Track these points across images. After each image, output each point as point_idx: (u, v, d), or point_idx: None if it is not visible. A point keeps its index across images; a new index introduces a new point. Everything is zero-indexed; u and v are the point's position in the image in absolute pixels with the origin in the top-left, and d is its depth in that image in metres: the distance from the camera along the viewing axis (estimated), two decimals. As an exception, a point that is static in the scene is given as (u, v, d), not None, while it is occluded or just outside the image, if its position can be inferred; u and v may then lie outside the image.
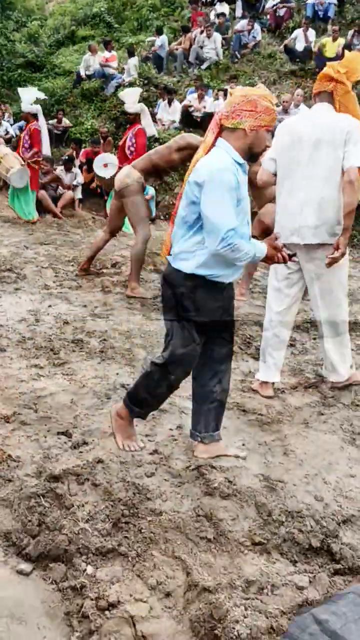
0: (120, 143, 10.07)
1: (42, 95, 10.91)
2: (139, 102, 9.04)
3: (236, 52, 14.75)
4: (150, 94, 14.09)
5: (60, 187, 11.49)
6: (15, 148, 10.77)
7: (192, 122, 12.73)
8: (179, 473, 3.07)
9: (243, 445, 3.43)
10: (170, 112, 13.08)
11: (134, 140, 9.41)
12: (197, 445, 3.25)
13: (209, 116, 12.60)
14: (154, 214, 11.00)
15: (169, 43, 15.53)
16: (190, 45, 14.89)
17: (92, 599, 2.25)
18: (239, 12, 16.19)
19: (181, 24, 16.32)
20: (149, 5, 18.49)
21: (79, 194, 11.72)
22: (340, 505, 2.94)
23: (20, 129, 11.92)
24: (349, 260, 4.21)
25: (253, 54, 14.72)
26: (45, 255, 7.64)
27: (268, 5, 16.08)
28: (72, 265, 7.24)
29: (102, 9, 19.00)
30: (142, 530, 2.61)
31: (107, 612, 2.21)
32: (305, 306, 6.40)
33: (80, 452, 3.18)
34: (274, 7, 15.71)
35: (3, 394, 3.77)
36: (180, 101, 13.22)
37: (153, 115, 13.32)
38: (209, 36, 14.59)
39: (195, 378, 3.22)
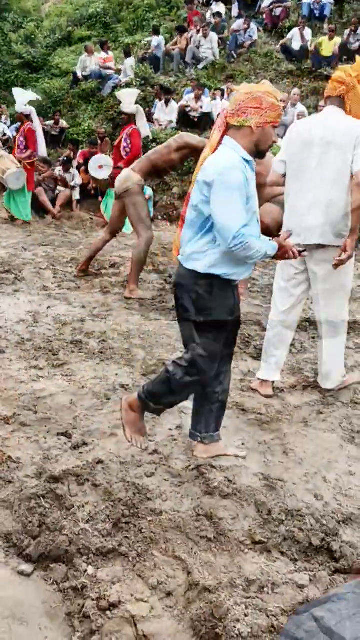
0: (115, 144, 10.08)
1: (35, 96, 10.91)
2: (136, 103, 9.04)
3: (232, 52, 14.76)
4: (147, 95, 14.10)
5: (58, 187, 11.49)
6: (11, 149, 10.77)
7: (189, 122, 12.74)
8: (179, 473, 3.07)
9: (243, 444, 3.43)
10: (167, 113, 13.08)
11: (128, 142, 9.42)
12: (196, 445, 3.25)
13: (205, 116, 12.62)
14: (152, 215, 11.00)
15: (166, 43, 15.53)
16: (187, 45, 14.88)
17: (93, 599, 2.26)
18: (235, 11, 16.19)
19: (177, 24, 16.32)
20: (145, 6, 18.50)
21: (76, 195, 11.72)
22: (340, 503, 2.94)
23: (18, 131, 11.93)
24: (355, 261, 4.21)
25: (249, 54, 14.72)
26: (44, 256, 7.65)
27: (264, 4, 16.09)
28: (71, 266, 7.24)
29: (99, 9, 19.00)
30: (143, 530, 2.61)
31: (108, 612, 2.21)
32: (304, 306, 6.41)
33: (80, 452, 3.18)
34: (270, 7, 15.71)
35: (3, 395, 3.78)
36: (177, 101, 13.22)
37: (150, 115, 13.34)
38: (205, 36, 14.59)
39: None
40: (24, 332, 4.90)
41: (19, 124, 11.23)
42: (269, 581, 2.41)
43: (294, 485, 3.06)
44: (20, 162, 10.00)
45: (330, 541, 2.65)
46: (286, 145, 4.01)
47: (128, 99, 9.45)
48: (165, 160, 6.14)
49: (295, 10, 15.74)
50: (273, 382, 4.16)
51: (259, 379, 4.18)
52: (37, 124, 10.47)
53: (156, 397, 3.07)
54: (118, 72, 14.98)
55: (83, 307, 5.73)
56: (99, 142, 12.09)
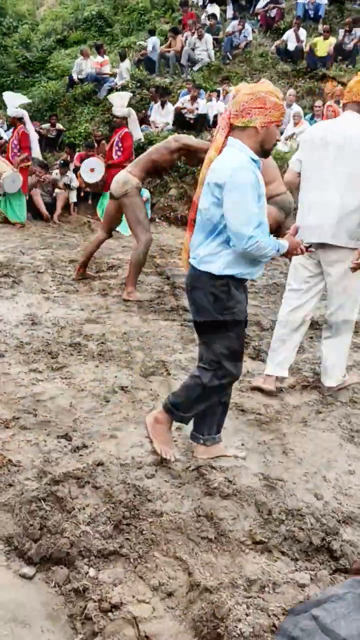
0: (107, 147, 10.10)
1: (26, 100, 10.95)
2: (128, 106, 9.07)
3: (228, 53, 14.78)
4: (143, 97, 14.11)
5: (55, 190, 11.50)
6: (5, 153, 10.79)
7: (185, 123, 12.75)
8: (179, 474, 3.08)
9: (242, 445, 3.44)
10: (163, 115, 13.09)
11: (120, 145, 9.44)
12: (196, 447, 3.26)
13: (201, 118, 12.63)
14: (149, 216, 11.00)
15: (161, 45, 15.54)
16: (182, 47, 14.89)
17: (94, 601, 2.26)
18: (230, 13, 16.22)
19: (172, 26, 16.33)
20: (140, 9, 18.52)
21: (74, 198, 11.73)
22: (340, 502, 2.95)
23: (12, 134, 11.96)
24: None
25: (245, 55, 14.74)
26: (42, 259, 7.65)
27: (259, 5, 16.11)
28: (69, 269, 7.25)
29: (94, 12, 19.02)
30: (144, 532, 2.62)
31: (110, 614, 2.22)
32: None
33: (80, 455, 3.19)
34: (265, 8, 15.73)
35: (2, 398, 3.78)
36: (173, 103, 13.23)
37: (146, 117, 13.35)
38: (200, 37, 14.60)
39: None
40: (22, 335, 4.90)
41: (12, 127, 11.26)
42: (269, 581, 2.42)
43: (294, 484, 3.07)
44: (15, 165, 10.02)
45: (330, 540, 2.66)
46: (303, 145, 4.11)
47: (120, 102, 9.48)
48: (166, 160, 6.21)
49: (290, 12, 15.75)
50: (277, 377, 4.18)
51: (266, 374, 4.21)
52: (30, 127, 10.51)
53: (183, 406, 3.06)
54: (113, 75, 14.98)
55: (82, 309, 5.73)
56: (96, 144, 12.10)
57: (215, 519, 2.72)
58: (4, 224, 10.16)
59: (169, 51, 15.11)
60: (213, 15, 15.61)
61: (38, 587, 2.37)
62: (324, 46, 13.34)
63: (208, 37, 14.72)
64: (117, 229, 8.06)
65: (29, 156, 10.24)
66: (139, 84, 14.35)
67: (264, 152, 2.93)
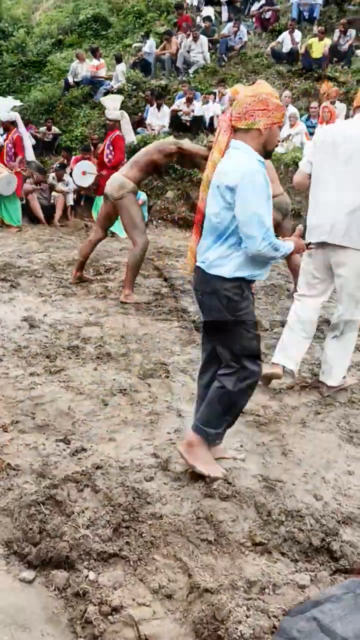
0: (99, 150, 10.11)
1: (18, 103, 10.97)
2: (123, 109, 9.09)
3: (223, 56, 14.80)
4: (139, 100, 14.12)
5: (53, 193, 11.51)
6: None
7: (182, 126, 12.76)
8: (178, 476, 3.08)
9: (241, 446, 3.44)
10: (159, 117, 13.10)
11: (111, 148, 9.45)
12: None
13: (197, 120, 12.64)
14: (146, 219, 11.01)
15: (156, 48, 15.56)
16: (177, 50, 14.91)
17: (95, 605, 2.26)
18: (225, 15, 16.24)
19: (167, 28, 16.34)
20: (135, 12, 18.54)
21: (70, 201, 11.74)
22: (339, 503, 2.95)
23: (5, 139, 11.98)
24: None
25: (240, 56, 14.76)
26: (40, 263, 7.65)
27: (254, 8, 16.13)
28: (67, 272, 7.25)
29: (89, 16, 19.03)
30: (143, 535, 2.62)
31: (110, 617, 2.22)
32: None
33: (79, 458, 3.19)
34: (260, 10, 15.76)
35: (1, 402, 3.78)
36: (169, 106, 13.24)
37: (142, 120, 13.36)
38: (195, 39, 14.62)
39: (206, 383, 3.19)
40: (20, 339, 4.90)
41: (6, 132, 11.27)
42: (270, 582, 2.42)
43: (293, 485, 3.07)
44: (11, 169, 10.05)
45: (330, 541, 2.66)
46: (313, 147, 4.16)
47: (112, 105, 9.48)
48: (164, 162, 6.31)
49: (285, 14, 15.78)
50: (284, 367, 4.23)
51: (273, 362, 4.29)
52: (23, 130, 10.54)
53: (213, 423, 3.03)
54: (109, 78, 14.99)
55: (79, 312, 5.73)
56: (92, 148, 12.11)
57: (214, 521, 2.72)
58: (0, 227, 10.17)
59: (164, 54, 15.12)
60: (208, 18, 15.63)
61: (38, 591, 2.37)
62: (319, 47, 13.36)
63: (203, 39, 14.74)
64: (113, 230, 8.06)
65: (23, 158, 10.26)
66: (134, 87, 14.36)
67: (266, 153, 2.94)
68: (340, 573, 2.54)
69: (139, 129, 13.21)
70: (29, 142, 10.69)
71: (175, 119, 12.82)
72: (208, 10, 16.40)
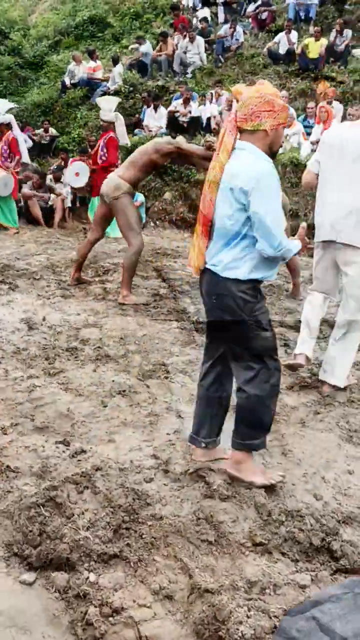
0: (93, 151, 10.12)
1: (13, 105, 10.99)
2: (119, 110, 9.11)
3: (220, 57, 14.81)
4: (136, 101, 14.13)
5: (51, 196, 11.51)
6: None
7: (179, 127, 12.76)
8: (178, 477, 3.08)
9: (241, 447, 3.44)
10: (156, 118, 13.11)
11: (105, 150, 9.45)
12: (195, 449, 3.25)
13: (194, 121, 12.64)
14: (144, 221, 11.02)
15: (153, 49, 15.56)
16: (174, 51, 14.92)
17: (95, 606, 2.26)
18: (221, 16, 16.25)
19: (164, 30, 16.35)
20: (131, 14, 18.54)
21: (68, 203, 11.74)
22: (339, 503, 2.95)
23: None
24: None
25: (236, 57, 14.77)
26: (38, 265, 7.65)
27: (250, 8, 16.15)
28: (65, 275, 7.24)
29: (85, 18, 19.04)
30: (143, 536, 2.62)
31: (111, 619, 2.22)
32: (298, 306, 6.43)
33: (79, 460, 3.18)
34: (256, 11, 15.78)
35: (0, 405, 3.77)
36: (166, 107, 13.25)
37: (139, 122, 13.36)
38: (192, 40, 14.62)
39: (208, 385, 3.19)
40: (19, 341, 4.90)
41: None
42: (270, 582, 2.42)
43: (293, 485, 3.07)
44: (7, 170, 10.07)
45: (330, 541, 2.66)
46: (321, 147, 4.23)
47: (107, 106, 9.47)
48: (164, 160, 6.35)
49: (281, 14, 15.79)
50: (306, 355, 4.34)
51: (295, 354, 4.41)
52: (18, 132, 10.56)
53: (252, 433, 3.01)
54: (106, 80, 14.99)
55: (78, 314, 5.73)
56: (89, 150, 12.11)
57: (215, 522, 2.72)
58: (4, 233, 10.18)
59: (160, 55, 15.13)
60: (204, 19, 15.64)
61: (38, 593, 2.37)
62: (315, 47, 13.38)
63: (200, 40, 14.74)
64: (108, 230, 8.05)
65: (20, 159, 10.29)
66: (131, 88, 14.36)
67: (272, 154, 2.94)
68: (340, 573, 2.55)
69: (136, 131, 13.22)
70: (24, 145, 10.70)
71: (172, 120, 12.82)
72: (204, 11, 16.41)
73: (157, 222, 11.64)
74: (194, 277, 7.31)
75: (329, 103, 11.71)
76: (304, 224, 3.30)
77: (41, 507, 2.70)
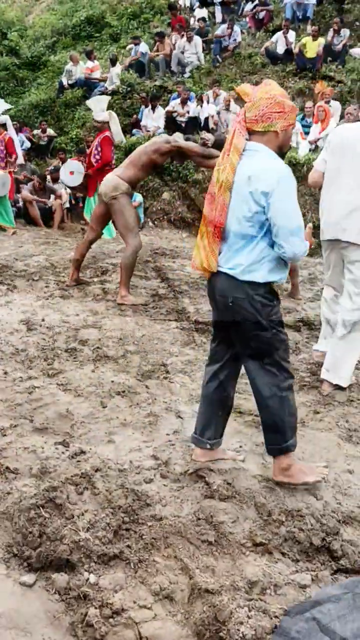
0: (88, 151, 10.12)
1: (8, 106, 11.02)
2: (115, 111, 9.11)
3: (217, 56, 14.81)
4: (134, 101, 14.12)
5: (52, 197, 11.51)
6: None
7: (177, 127, 12.76)
8: (178, 477, 3.07)
9: (240, 447, 3.44)
10: (154, 119, 13.11)
11: (99, 149, 9.45)
12: (195, 449, 3.25)
13: (192, 121, 12.64)
14: (142, 221, 11.01)
15: (151, 49, 15.56)
16: (171, 51, 14.91)
17: (96, 607, 2.26)
18: (218, 16, 16.24)
19: (161, 29, 16.35)
20: (129, 14, 18.54)
21: (66, 204, 11.74)
22: (339, 502, 2.95)
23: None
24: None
25: (234, 57, 14.77)
26: (36, 266, 7.64)
27: (247, 8, 16.14)
28: (63, 275, 7.24)
29: (82, 18, 19.03)
30: (143, 537, 2.61)
31: (111, 620, 2.21)
32: (297, 306, 6.43)
33: (78, 461, 3.18)
34: (254, 10, 15.77)
35: (-1, 406, 3.77)
36: (164, 107, 13.25)
37: (137, 122, 13.36)
38: (189, 40, 14.62)
39: (215, 388, 3.16)
40: (18, 342, 4.89)
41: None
42: (271, 582, 2.42)
43: (293, 485, 3.06)
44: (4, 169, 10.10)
45: (330, 540, 2.66)
46: (328, 146, 4.27)
47: (99, 106, 9.47)
48: (164, 159, 6.38)
49: (278, 14, 15.78)
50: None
51: (318, 350, 4.61)
52: (13, 133, 10.58)
53: (283, 436, 2.98)
54: (104, 80, 14.99)
55: (77, 314, 5.72)
56: (87, 150, 12.11)
57: (215, 522, 2.71)
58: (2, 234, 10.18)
59: (157, 55, 15.13)
60: (202, 19, 15.64)
61: (38, 595, 2.36)
62: (313, 47, 13.38)
63: (197, 40, 14.74)
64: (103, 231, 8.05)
65: (17, 158, 10.32)
66: (129, 88, 14.35)
67: (281, 154, 2.93)
68: (341, 572, 2.54)
69: (134, 131, 13.22)
70: (18, 145, 10.75)
71: (170, 120, 12.82)
72: (202, 11, 16.40)
73: (156, 222, 11.64)
74: (193, 277, 7.35)
75: (327, 102, 11.72)
76: (310, 225, 3.31)
77: (41, 508, 2.70)
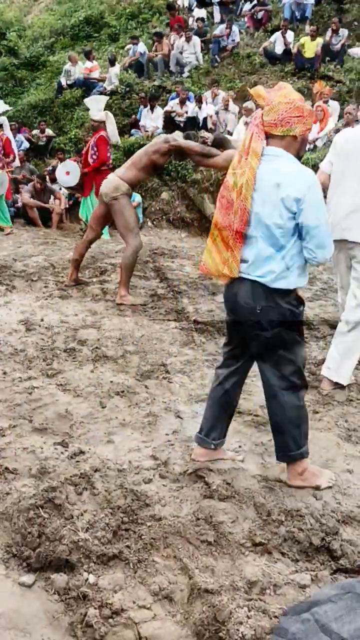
0: (84, 151, 10.12)
1: (7, 108, 11.03)
2: (112, 111, 9.12)
3: (216, 57, 14.80)
4: (133, 101, 14.11)
5: (52, 197, 11.51)
6: None
7: (175, 127, 12.75)
8: (177, 477, 3.07)
9: (240, 447, 3.43)
10: (153, 119, 13.09)
11: (95, 149, 9.45)
12: (195, 449, 3.24)
13: (191, 121, 12.63)
14: (141, 221, 11.00)
15: (149, 50, 15.56)
16: (169, 51, 14.90)
17: (95, 608, 2.25)
18: (217, 16, 16.23)
19: (160, 30, 16.34)
20: (127, 14, 18.53)
21: (65, 204, 11.73)
22: (339, 502, 2.94)
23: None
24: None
25: (232, 57, 14.77)
26: (35, 266, 7.64)
27: (246, 8, 16.13)
28: (62, 275, 7.23)
29: (81, 18, 19.02)
30: (143, 537, 2.61)
31: (110, 620, 2.21)
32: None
33: (77, 461, 3.17)
34: (252, 10, 15.77)
35: (-2, 406, 3.77)
36: (163, 107, 13.23)
37: (136, 122, 13.34)
38: (188, 40, 14.62)
39: (225, 390, 3.15)
40: (17, 342, 4.89)
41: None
42: (270, 582, 2.41)
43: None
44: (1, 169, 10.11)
45: (330, 540, 2.65)
46: (333, 148, 4.29)
47: (96, 106, 9.47)
48: (165, 159, 6.39)
49: (277, 14, 15.78)
50: None
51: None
52: (9, 133, 10.59)
53: (297, 443, 2.99)
54: (102, 80, 14.98)
55: (76, 315, 5.72)
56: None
57: (214, 522, 2.71)
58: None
59: (156, 55, 15.12)
60: (200, 19, 15.63)
61: (38, 595, 2.36)
62: (311, 47, 13.37)
63: (196, 40, 14.73)
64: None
65: (14, 158, 10.34)
66: (127, 89, 14.34)
67: (298, 158, 2.93)
68: (340, 572, 2.54)
69: (132, 131, 13.20)
70: (14, 146, 10.78)
71: (169, 120, 12.81)
72: (200, 11, 16.39)
73: (155, 222, 11.63)
74: (192, 277, 7.35)
75: (326, 102, 11.71)
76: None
77: (40, 508, 2.69)
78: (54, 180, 11.59)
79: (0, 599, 2.31)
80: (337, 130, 10.46)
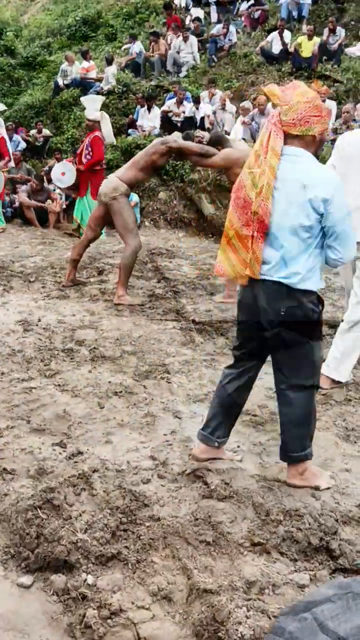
0: (78, 151, 10.13)
1: (3, 108, 11.03)
2: (108, 111, 9.11)
3: (213, 56, 14.80)
4: (130, 101, 14.10)
5: (49, 200, 11.50)
6: None
7: (172, 127, 12.74)
8: (176, 478, 3.07)
9: (238, 447, 3.43)
10: (150, 119, 13.09)
11: (90, 149, 9.45)
12: (197, 446, 3.23)
13: (188, 120, 12.63)
14: (138, 221, 11.00)
15: (146, 49, 15.55)
16: (166, 50, 14.90)
17: (94, 609, 2.25)
18: (214, 16, 16.24)
19: (157, 29, 16.34)
20: (124, 14, 18.52)
21: (63, 205, 11.72)
22: (337, 501, 2.94)
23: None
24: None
25: (229, 57, 14.77)
26: (32, 266, 7.63)
27: (242, 7, 16.14)
28: (60, 276, 7.23)
29: (77, 18, 19.01)
30: (141, 537, 2.61)
31: (109, 620, 2.21)
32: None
33: (76, 461, 3.17)
34: (249, 10, 15.77)
35: (-4, 407, 3.76)
36: (160, 107, 13.23)
37: (133, 122, 13.34)
38: (185, 40, 14.61)
39: (233, 390, 3.13)
40: (14, 343, 4.88)
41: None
42: (269, 582, 2.41)
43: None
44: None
45: (329, 540, 2.65)
46: (335, 151, 4.31)
47: (92, 106, 9.47)
48: (165, 160, 6.38)
49: (274, 14, 15.78)
50: None
51: None
52: (4, 133, 10.60)
53: (303, 443, 3.00)
54: (99, 80, 14.96)
55: (73, 315, 5.72)
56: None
57: (213, 522, 2.71)
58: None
59: (153, 55, 15.12)
60: (197, 18, 15.63)
61: (36, 596, 2.36)
62: (308, 46, 13.37)
63: (193, 40, 14.73)
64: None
65: (9, 160, 10.34)
66: (124, 89, 14.33)
67: (316, 158, 2.94)
68: (339, 572, 2.54)
69: (130, 131, 13.19)
70: (10, 147, 10.80)
71: (166, 120, 12.80)
72: (197, 11, 16.39)
73: (152, 222, 11.62)
74: (190, 277, 7.34)
75: (323, 101, 11.71)
76: None
77: (38, 509, 2.69)
78: (51, 180, 11.59)
79: (-1, 600, 2.31)
80: (334, 130, 10.48)
